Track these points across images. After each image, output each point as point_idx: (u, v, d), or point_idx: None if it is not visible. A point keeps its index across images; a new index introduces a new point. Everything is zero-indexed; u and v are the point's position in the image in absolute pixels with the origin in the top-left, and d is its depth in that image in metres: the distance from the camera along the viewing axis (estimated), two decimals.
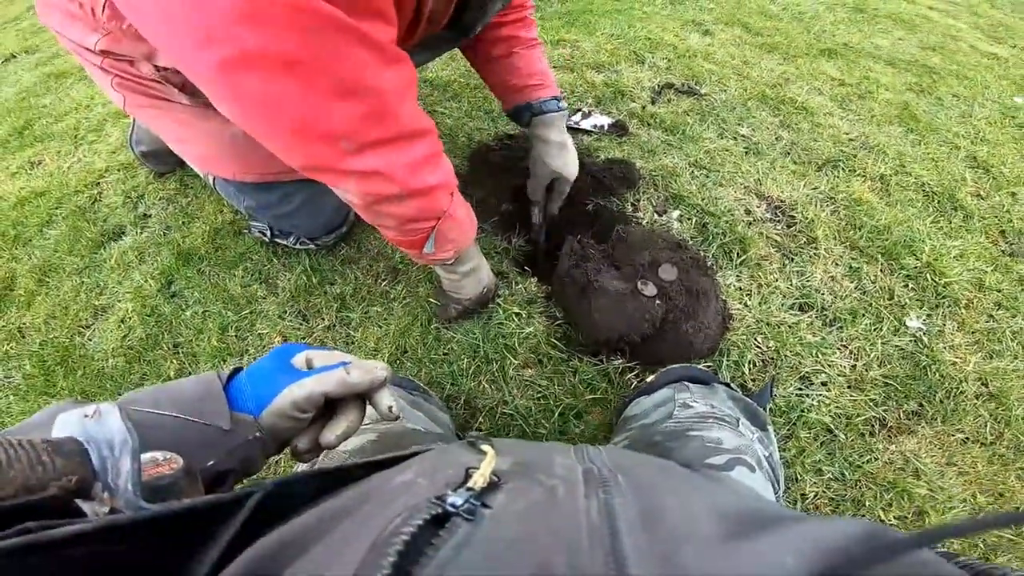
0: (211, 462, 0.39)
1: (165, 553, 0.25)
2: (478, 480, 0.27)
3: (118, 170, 1.40)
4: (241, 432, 0.40)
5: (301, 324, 1.04)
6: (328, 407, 0.45)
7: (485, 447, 0.32)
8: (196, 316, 1.09)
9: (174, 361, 1.05)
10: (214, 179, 1.04)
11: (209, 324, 1.07)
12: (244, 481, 0.43)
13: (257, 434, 0.41)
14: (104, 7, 0.75)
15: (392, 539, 0.21)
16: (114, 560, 0.24)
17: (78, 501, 0.30)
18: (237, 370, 0.44)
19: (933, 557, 0.23)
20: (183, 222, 1.25)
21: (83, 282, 1.21)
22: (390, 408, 0.45)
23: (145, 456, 0.32)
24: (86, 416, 0.32)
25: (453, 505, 0.24)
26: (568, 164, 0.98)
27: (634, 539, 0.23)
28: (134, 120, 1.28)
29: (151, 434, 0.33)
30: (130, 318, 1.12)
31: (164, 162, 1.31)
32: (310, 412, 0.42)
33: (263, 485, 0.27)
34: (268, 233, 1.10)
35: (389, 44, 0.59)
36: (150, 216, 1.29)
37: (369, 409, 0.63)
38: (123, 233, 1.28)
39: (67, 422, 0.32)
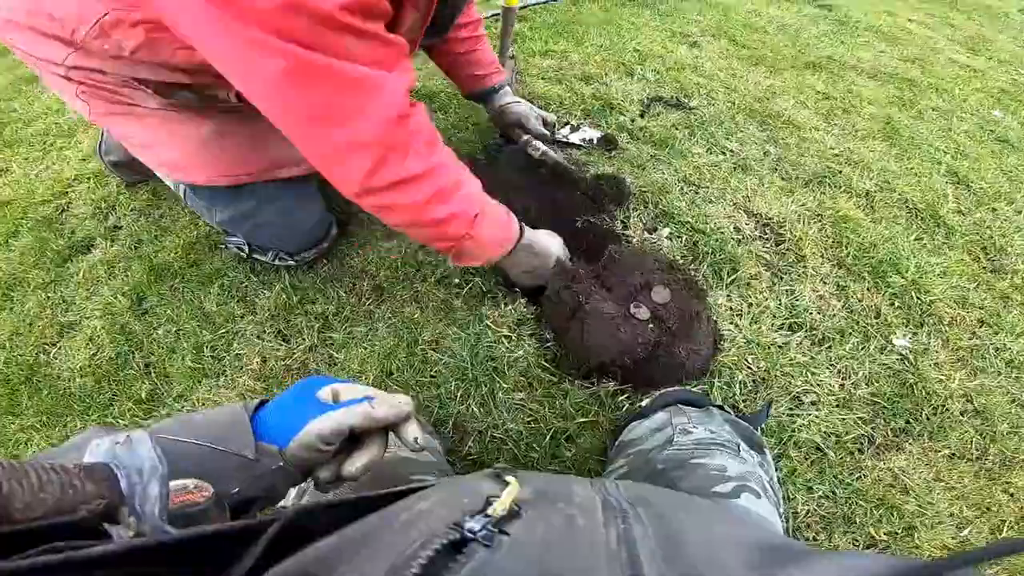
0: (236, 490, 0.40)
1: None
2: (497, 508, 0.27)
3: (88, 179, 1.34)
4: (266, 462, 0.41)
5: (281, 345, 1.00)
6: (351, 438, 0.45)
7: (509, 477, 0.32)
8: (169, 335, 1.05)
9: (146, 381, 1.00)
10: (185, 192, 1.00)
11: (183, 343, 1.03)
12: (268, 509, 0.45)
13: (281, 464, 0.42)
14: (90, 30, 0.72)
15: (410, 562, 0.21)
16: None
17: (106, 525, 0.31)
18: (263, 402, 0.45)
19: None
20: (155, 235, 1.20)
21: (49, 297, 1.15)
22: (416, 439, 0.46)
23: (176, 484, 0.34)
24: (117, 443, 0.33)
25: (471, 531, 0.25)
26: (527, 106, 1.21)
27: (654, 566, 0.23)
28: (104, 129, 1.22)
29: (179, 462, 0.35)
30: (99, 336, 1.07)
31: (135, 172, 1.25)
32: (335, 444, 0.43)
33: (284, 513, 0.28)
34: (246, 249, 1.06)
35: (401, 90, 0.65)
36: (120, 228, 1.24)
37: None
38: (92, 246, 1.22)
39: (99, 448, 0.33)
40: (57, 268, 1.20)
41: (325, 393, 0.45)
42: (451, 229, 0.75)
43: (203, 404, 0.96)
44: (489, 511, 0.27)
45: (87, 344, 1.07)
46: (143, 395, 0.99)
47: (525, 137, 1.17)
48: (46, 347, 1.10)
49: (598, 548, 0.25)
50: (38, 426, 0.99)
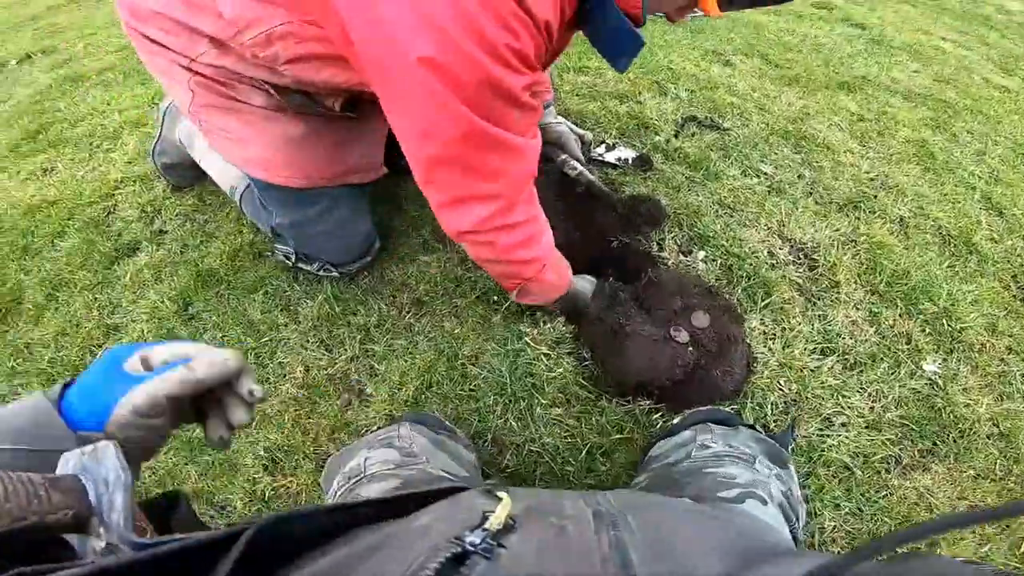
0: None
1: None
2: (494, 522, 0.28)
3: (134, 182, 1.38)
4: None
5: (324, 354, 1.03)
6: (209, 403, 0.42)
7: (501, 493, 0.34)
8: (214, 340, 1.07)
9: None
10: (243, 194, 1.03)
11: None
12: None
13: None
14: (256, 36, 0.74)
15: (418, 574, 0.22)
16: None
17: (77, 536, 0.31)
18: (66, 385, 0.40)
19: (937, 557, 0.25)
20: (201, 241, 1.23)
21: (96, 299, 1.18)
22: (251, 391, 0.42)
23: None
24: (84, 454, 0.33)
25: (472, 544, 0.26)
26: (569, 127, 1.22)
27: (647, 568, 0.25)
28: (161, 129, 1.25)
29: None
30: (145, 339, 1.09)
31: (183, 176, 1.29)
32: (161, 416, 0.38)
33: (256, 522, 0.27)
34: (292, 257, 1.09)
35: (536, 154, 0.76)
36: (166, 233, 1.27)
37: (394, 455, 0.67)
38: (138, 249, 1.26)
39: (68, 460, 0.33)
40: (104, 270, 1.23)
41: (134, 362, 0.40)
42: (527, 271, 0.84)
43: None
44: (487, 525, 0.28)
45: None
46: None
47: (563, 156, 1.18)
48: (93, 348, 1.12)
49: (592, 553, 0.26)
50: None
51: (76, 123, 1.59)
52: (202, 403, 0.43)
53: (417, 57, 0.58)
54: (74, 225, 1.33)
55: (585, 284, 0.98)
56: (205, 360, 0.39)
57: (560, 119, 1.24)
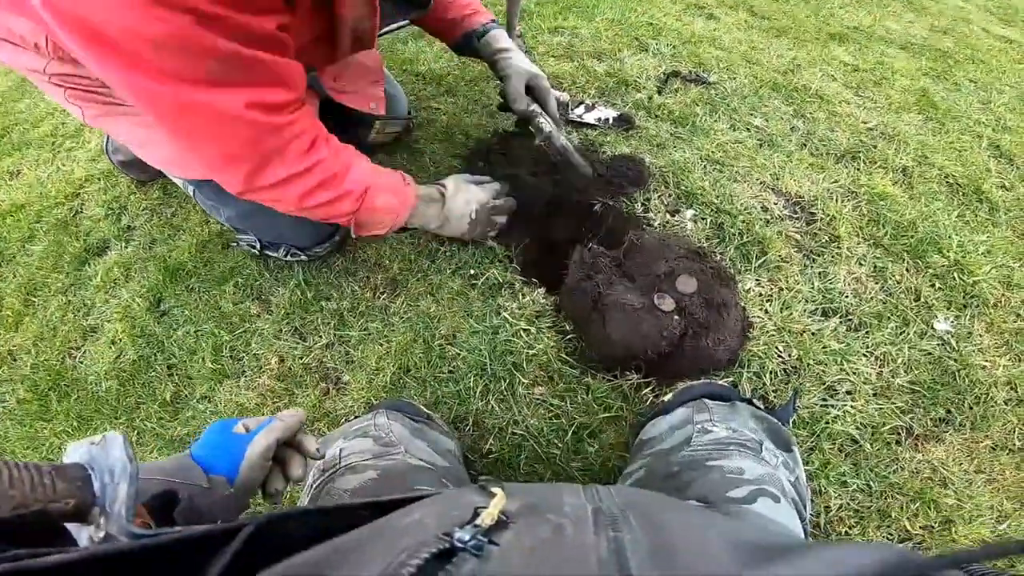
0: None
1: None
2: (485, 518, 0.28)
3: (98, 179, 1.34)
4: (218, 489, 0.48)
5: (298, 343, 0.99)
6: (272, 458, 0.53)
7: (495, 489, 0.33)
8: (188, 336, 1.05)
9: (169, 384, 1.01)
10: (195, 191, 0.98)
11: (202, 344, 1.03)
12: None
13: (232, 491, 0.49)
14: (47, 41, 0.75)
15: (399, 571, 0.21)
16: None
17: (76, 525, 0.33)
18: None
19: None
20: (168, 235, 1.19)
21: (70, 301, 1.17)
22: (316, 449, 0.56)
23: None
24: (93, 444, 0.35)
25: (460, 541, 0.25)
26: (532, 64, 1.03)
27: (645, 574, 0.23)
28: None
29: (141, 494, 0.37)
30: (120, 339, 1.07)
31: (144, 170, 1.24)
32: (271, 459, 0.51)
33: (256, 519, 0.28)
34: (257, 246, 1.04)
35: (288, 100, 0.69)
36: (134, 229, 1.24)
37: (371, 444, 0.67)
38: (107, 248, 1.23)
39: (76, 449, 0.35)
40: (75, 271, 1.20)
41: (239, 428, 0.53)
42: (342, 207, 0.81)
43: (226, 405, 0.96)
44: (477, 521, 0.27)
45: (110, 347, 1.07)
46: (167, 397, 0.99)
47: (533, 107, 1.00)
48: (71, 351, 1.11)
49: (588, 556, 0.25)
50: (70, 431, 1.00)
51: (37, 124, 1.55)
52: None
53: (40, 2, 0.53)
54: (43, 228, 1.30)
55: (437, 186, 0.94)
56: (287, 414, 0.54)
57: (514, 47, 1.03)
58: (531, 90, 1.01)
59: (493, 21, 1.05)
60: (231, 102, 0.62)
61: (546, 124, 1.00)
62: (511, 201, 1.00)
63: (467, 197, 0.94)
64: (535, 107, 1.00)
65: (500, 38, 1.03)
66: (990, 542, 0.78)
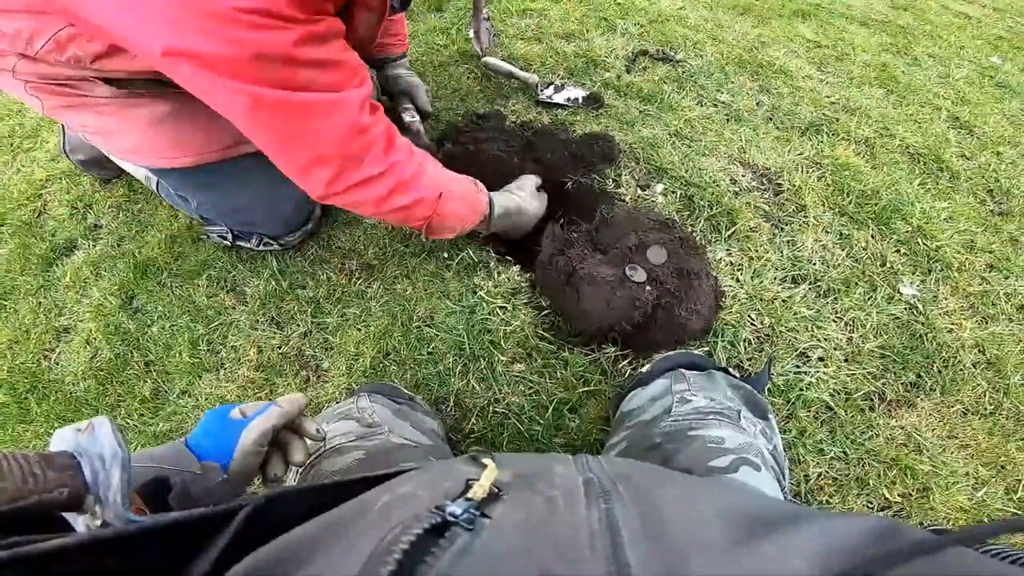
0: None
1: (155, 566, 0.26)
2: (477, 491, 0.27)
3: (60, 178, 1.30)
4: (212, 475, 0.47)
5: (275, 332, 0.98)
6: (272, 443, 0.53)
7: (486, 460, 0.33)
8: (163, 331, 1.03)
9: (148, 380, 0.99)
10: (157, 183, 0.96)
11: (178, 339, 1.01)
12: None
13: (225, 476, 0.48)
14: (46, 44, 0.73)
15: (392, 547, 0.21)
16: (103, 574, 0.24)
17: (73, 513, 0.32)
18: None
19: (969, 553, 0.23)
20: (136, 231, 1.17)
21: (40, 303, 1.14)
22: (317, 430, 0.55)
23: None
24: (79, 431, 0.34)
25: (453, 515, 0.24)
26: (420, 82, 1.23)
27: (636, 548, 0.23)
28: (62, 127, 1.19)
29: (132, 481, 0.36)
30: (95, 338, 1.05)
31: (105, 168, 1.21)
32: (265, 446, 0.50)
33: (254, 499, 0.28)
34: (228, 236, 1.03)
35: (354, 108, 0.71)
36: (101, 227, 1.21)
37: (354, 426, 0.67)
38: (75, 247, 1.20)
39: (62, 437, 0.34)
40: (44, 273, 1.17)
41: (236, 413, 0.52)
42: (418, 212, 0.81)
43: (207, 399, 0.95)
44: (470, 494, 0.27)
45: (85, 347, 1.05)
46: (147, 394, 0.98)
47: (407, 106, 1.17)
48: (46, 353, 1.08)
49: (580, 529, 0.25)
50: (51, 432, 0.97)
51: None
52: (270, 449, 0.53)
53: (161, 52, 0.58)
54: (7, 230, 1.26)
55: (515, 196, 0.96)
56: (285, 400, 0.53)
57: (413, 73, 1.24)
58: (402, 94, 1.20)
59: (403, 53, 1.24)
60: (340, 100, 0.67)
61: (413, 115, 1.18)
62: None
63: (532, 211, 0.98)
64: (408, 106, 1.19)
65: (400, 66, 1.24)
66: (977, 521, 0.79)
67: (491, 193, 0.92)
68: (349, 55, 0.70)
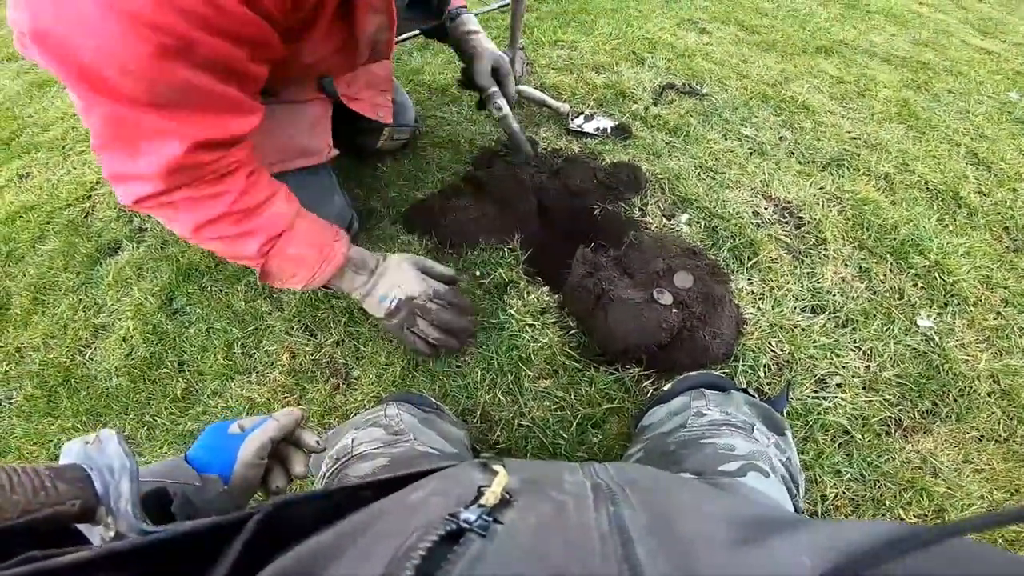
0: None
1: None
2: (489, 497, 0.28)
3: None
4: (211, 488, 0.47)
5: (309, 340, 1.02)
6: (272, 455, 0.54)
7: (496, 466, 0.33)
8: (200, 333, 1.07)
9: (180, 380, 1.03)
10: None
11: (214, 341, 1.05)
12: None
13: (225, 487, 0.48)
14: None
15: (409, 554, 0.21)
16: None
17: (86, 525, 0.32)
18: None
19: (976, 544, 0.23)
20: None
21: (80, 300, 1.18)
22: (316, 442, 0.56)
23: None
24: (87, 443, 0.34)
25: (467, 521, 0.25)
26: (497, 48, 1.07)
27: (646, 546, 0.24)
28: None
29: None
30: (132, 336, 1.09)
31: None
32: (266, 458, 0.51)
33: (263, 507, 0.28)
34: None
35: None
36: (145, 230, 1.26)
37: (381, 433, 0.68)
38: (119, 248, 1.25)
39: (71, 449, 0.34)
40: (87, 271, 1.22)
41: (234, 428, 0.53)
42: (246, 247, 0.74)
43: (237, 401, 0.98)
44: (482, 500, 0.27)
45: (121, 344, 1.09)
46: (178, 393, 1.01)
47: (493, 89, 1.05)
48: (81, 348, 1.12)
49: (590, 531, 0.26)
50: (78, 426, 1.01)
51: (47, 127, 1.57)
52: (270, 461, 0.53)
53: (31, 31, 0.54)
54: (54, 228, 1.32)
55: (400, 273, 0.87)
56: (282, 413, 0.53)
57: (483, 34, 1.06)
58: (495, 71, 1.06)
59: (464, 7, 1.09)
60: (174, 132, 0.61)
61: (504, 104, 1.07)
62: (458, 318, 0.89)
63: (396, 281, 0.87)
64: (495, 89, 1.06)
65: (469, 22, 1.07)
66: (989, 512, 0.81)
67: (358, 249, 0.87)
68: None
